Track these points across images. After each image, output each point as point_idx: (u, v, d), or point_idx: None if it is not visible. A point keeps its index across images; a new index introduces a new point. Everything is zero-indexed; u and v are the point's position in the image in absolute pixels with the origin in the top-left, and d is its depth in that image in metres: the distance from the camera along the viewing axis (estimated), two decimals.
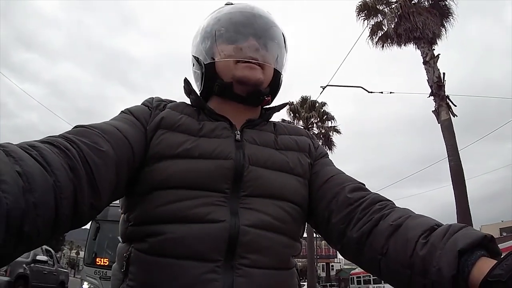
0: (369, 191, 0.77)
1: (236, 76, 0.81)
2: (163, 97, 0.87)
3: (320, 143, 0.97)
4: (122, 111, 0.80)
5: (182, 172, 0.71)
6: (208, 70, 0.83)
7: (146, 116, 0.78)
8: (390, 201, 0.72)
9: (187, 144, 0.74)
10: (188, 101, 0.88)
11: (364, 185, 0.79)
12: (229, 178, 0.73)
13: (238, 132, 0.80)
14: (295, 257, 0.79)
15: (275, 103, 0.95)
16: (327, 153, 0.94)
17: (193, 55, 0.89)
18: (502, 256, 0.48)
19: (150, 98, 0.85)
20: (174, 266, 0.65)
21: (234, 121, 0.82)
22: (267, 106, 0.94)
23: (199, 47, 0.86)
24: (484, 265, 0.49)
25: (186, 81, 0.89)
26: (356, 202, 0.72)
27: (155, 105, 0.82)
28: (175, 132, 0.76)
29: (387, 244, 0.63)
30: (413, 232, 0.59)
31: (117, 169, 0.65)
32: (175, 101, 0.86)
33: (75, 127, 0.66)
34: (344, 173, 0.83)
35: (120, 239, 0.79)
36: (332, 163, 0.90)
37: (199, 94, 0.88)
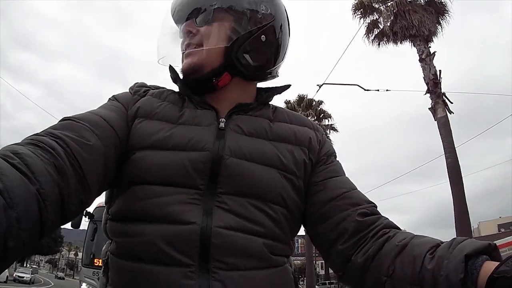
0: (380, 214, 0.72)
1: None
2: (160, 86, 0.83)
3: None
4: (109, 98, 0.79)
5: (154, 166, 0.67)
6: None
7: (129, 100, 0.77)
8: (399, 228, 0.70)
9: (162, 133, 0.69)
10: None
11: (376, 206, 0.73)
12: (205, 173, 0.67)
13: (223, 120, 0.73)
14: (287, 256, 0.74)
15: (278, 82, 0.85)
16: (335, 153, 0.83)
17: None
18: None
19: (134, 83, 0.82)
20: (146, 273, 0.62)
21: (224, 108, 0.75)
22: (264, 86, 0.85)
23: None
24: (490, 266, 0.50)
25: (171, 69, 0.82)
26: (366, 229, 0.67)
27: (135, 90, 0.79)
28: (151, 120, 0.72)
29: (393, 264, 0.60)
30: (420, 249, 0.59)
31: (105, 161, 0.64)
32: (163, 88, 0.82)
33: (62, 119, 0.65)
34: (357, 189, 0.76)
35: None
36: (341, 167, 0.81)
37: None
